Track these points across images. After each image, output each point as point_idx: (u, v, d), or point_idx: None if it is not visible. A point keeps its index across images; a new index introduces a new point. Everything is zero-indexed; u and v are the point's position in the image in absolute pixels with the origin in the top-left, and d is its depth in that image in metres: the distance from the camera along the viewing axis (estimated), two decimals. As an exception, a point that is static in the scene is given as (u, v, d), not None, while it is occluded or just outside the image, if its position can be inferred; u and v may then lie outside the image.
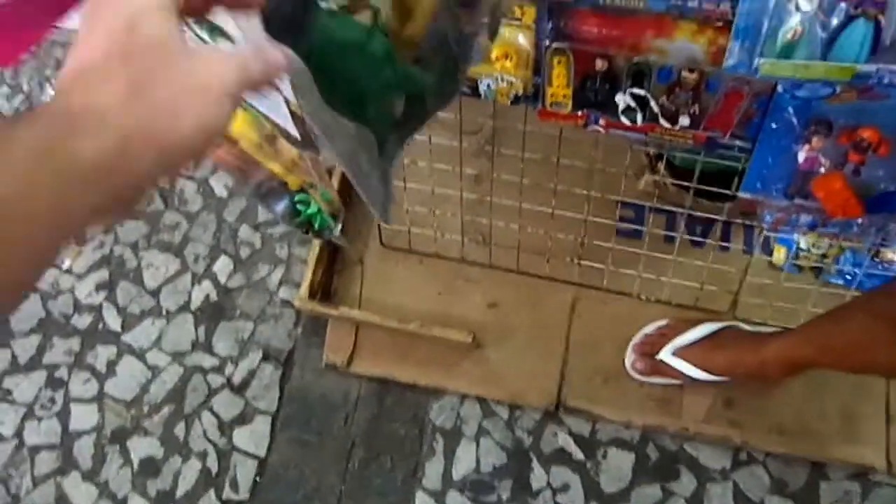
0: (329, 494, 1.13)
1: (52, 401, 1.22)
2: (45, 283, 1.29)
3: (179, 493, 1.15)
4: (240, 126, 0.80)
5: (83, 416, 1.21)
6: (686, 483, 1.10)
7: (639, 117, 0.76)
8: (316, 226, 1.00)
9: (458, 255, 1.20)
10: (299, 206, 0.98)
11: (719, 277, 1.10)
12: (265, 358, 1.22)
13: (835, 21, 0.57)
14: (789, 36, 0.59)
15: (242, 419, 1.19)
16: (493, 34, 0.60)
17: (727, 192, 0.87)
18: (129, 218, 1.30)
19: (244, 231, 1.32)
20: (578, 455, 1.12)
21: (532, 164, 1.00)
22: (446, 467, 1.13)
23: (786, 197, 0.78)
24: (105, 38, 0.35)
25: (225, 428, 1.18)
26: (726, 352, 1.04)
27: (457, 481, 1.12)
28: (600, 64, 0.73)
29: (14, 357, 1.25)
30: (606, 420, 1.13)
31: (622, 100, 0.75)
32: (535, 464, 1.12)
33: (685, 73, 0.72)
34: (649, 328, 1.13)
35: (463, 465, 1.13)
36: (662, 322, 1.13)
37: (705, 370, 1.05)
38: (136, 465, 1.17)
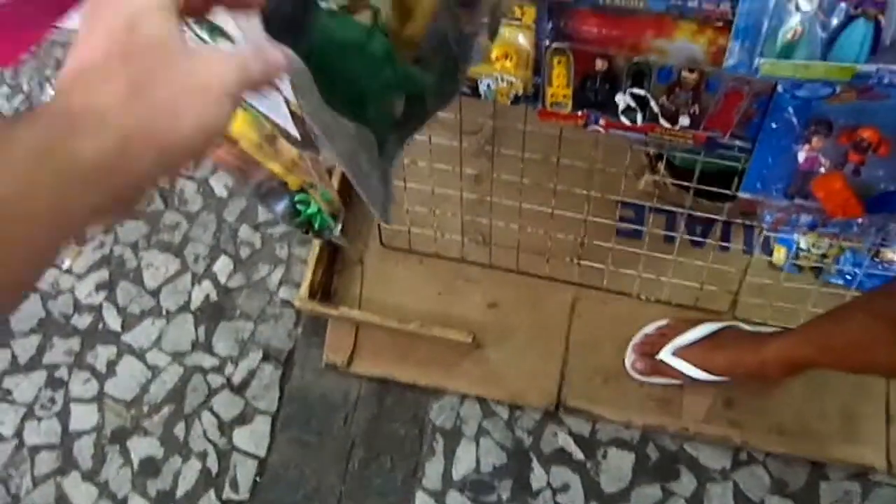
0: (329, 494, 1.13)
1: (52, 401, 1.22)
2: (45, 283, 1.29)
3: (179, 493, 1.15)
4: (240, 126, 0.80)
5: (83, 416, 1.21)
6: (686, 483, 1.10)
7: (639, 117, 0.76)
8: (316, 226, 1.00)
9: (458, 255, 1.20)
10: (299, 206, 0.98)
11: (719, 277, 1.10)
12: (265, 358, 1.22)
13: (835, 21, 0.57)
14: (789, 36, 0.59)
15: (242, 419, 1.19)
16: (493, 34, 0.60)
17: (727, 192, 0.87)
18: (130, 218, 1.30)
19: (244, 231, 1.32)
20: (578, 455, 1.12)
21: (532, 164, 1.00)
22: (446, 467, 1.13)
23: (786, 197, 0.78)
24: (105, 38, 0.35)
25: (225, 428, 1.18)
26: (726, 352, 1.04)
27: (457, 481, 1.12)
28: (600, 64, 0.73)
29: (14, 357, 1.25)
30: (606, 420, 1.13)
31: (622, 100, 0.75)
32: (535, 464, 1.12)
33: (685, 73, 0.72)
34: (649, 328, 1.13)
35: (463, 465, 1.13)
36: (662, 322, 1.13)
37: (705, 370, 1.05)
38: (136, 465, 1.17)
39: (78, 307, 1.28)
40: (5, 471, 1.18)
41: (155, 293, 1.28)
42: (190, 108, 0.35)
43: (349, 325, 1.18)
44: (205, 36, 0.55)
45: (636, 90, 0.74)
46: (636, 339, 1.13)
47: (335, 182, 1.17)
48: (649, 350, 1.10)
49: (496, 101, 0.79)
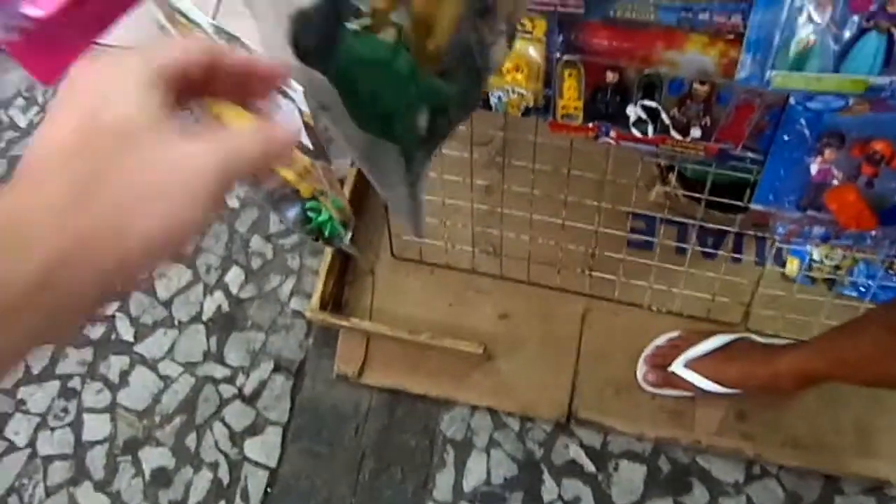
0: (339, 506, 1.13)
1: (66, 411, 1.23)
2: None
3: (191, 503, 1.15)
4: None
5: (96, 427, 1.21)
6: (698, 496, 1.09)
7: (650, 129, 0.76)
8: (326, 233, 1.01)
9: (468, 266, 1.20)
10: (310, 214, 0.98)
11: (731, 289, 1.10)
12: (276, 368, 1.22)
13: (847, 34, 0.57)
14: (801, 47, 0.59)
15: (254, 430, 1.19)
16: (510, 40, 0.60)
17: (739, 203, 0.87)
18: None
19: (256, 242, 1.32)
20: (590, 467, 1.12)
21: (543, 176, 1.00)
22: (457, 479, 1.13)
23: (798, 209, 0.78)
24: (71, 119, 0.30)
25: (236, 438, 1.18)
26: (739, 364, 1.04)
27: (467, 493, 1.12)
28: (611, 76, 0.73)
29: (28, 367, 1.26)
30: (618, 432, 1.12)
31: (633, 112, 0.75)
32: (546, 476, 1.12)
33: (696, 85, 0.72)
34: (661, 340, 1.13)
35: (474, 476, 1.13)
36: (674, 334, 1.13)
37: (717, 382, 1.04)
38: (147, 476, 1.17)
39: (91, 317, 1.28)
40: (18, 480, 1.18)
41: (167, 304, 1.29)
42: (148, 212, 0.29)
43: (360, 336, 1.18)
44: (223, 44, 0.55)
45: (647, 102, 0.74)
46: (648, 350, 1.13)
47: (346, 191, 1.18)
48: (661, 362, 1.10)
49: (507, 113, 0.79)
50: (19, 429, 1.22)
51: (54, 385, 1.24)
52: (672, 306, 1.14)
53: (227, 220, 1.34)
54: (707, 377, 1.05)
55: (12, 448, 1.21)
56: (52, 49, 0.48)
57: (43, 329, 0.29)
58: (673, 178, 1.11)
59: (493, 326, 1.18)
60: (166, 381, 1.23)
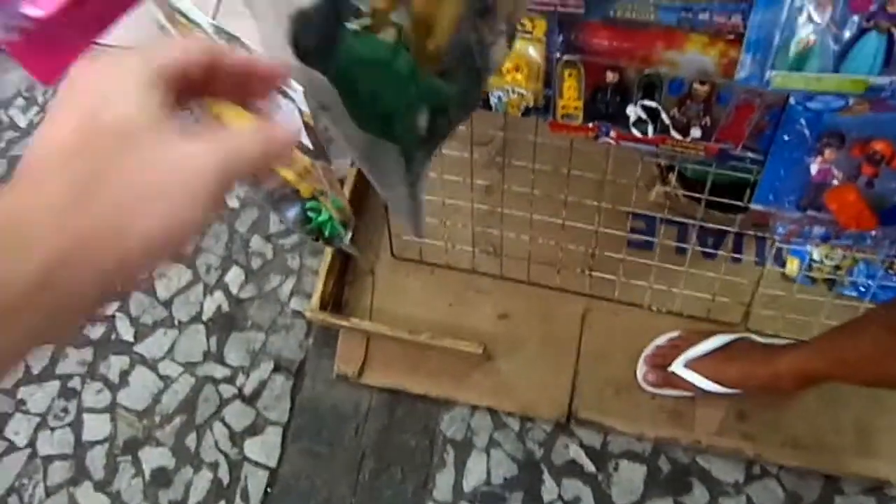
0: (339, 506, 1.13)
1: (66, 411, 1.23)
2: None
3: (191, 503, 1.15)
4: None
5: (96, 427, 1.21)
6: (698, 496, 1.09)
7: (650, 129, 0.76)
8: (326, 233, 1.01)
9: (468, 265, 1.20)
10: (310, 214, 0.98)
11: (731, 289, 1.10)
12: (276, 368, 1.22)
13: (847, 34, 0.57)
14: (801, 47, 0.59)
15: (254, 430, 1.19)
16: (510, 40, 0.60)
17: (739, 203, 0.87)
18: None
19: (256, 242, 1.32)
20: (590, 467, 1.12)
21: (543, 176, 1.00)
22: (457, 479, 1.13)
23: (798, 209, 0.78)
24: (71, 119, 0.30)
25: (236, 438, 1.18)
26: (739, 364, 1.04)
27: (467, 493, 1.12)
28: (611, 76, 0.73)
29: (28, 367, 1.26)
30: (618, 432, 1.12)
31: (633, 112, 0.75)
32: (546, 476, 1.12)
33: (696, 85, 0.72)
34: (661, 340, 1.13)
35: (474, 476, 1.13)
36: (674, 334, 1.13)
37: (718, 382, 1.04)
38: (147, 476, 1.17)
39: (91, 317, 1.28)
40: (18, 480, 1.18)
41: (167, 304, 1.29)
42: (148, 212, 0.29)
43: (360, 336, 1.18)
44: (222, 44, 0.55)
45: (647, 102, 0.74)
46: (648, 350, 1.13)
47: (346, 191, 1.18)
48: (661, 362, 1.10)
49: (507, 113, 0.79)
50: (19, 429, 1.22)
51: (54, 385, 1.24)
52: (672, 306, 1.14)
53: (227, 220, 1.34)
54: (707, 377, 1.05)
55: (12, 448, 1.21)
56: (52, 49, 0.49)
57: (43, 329, 0.29)
58: (673, 178, 1.11)
59: (493, 326, 1.18)
60: (166, 381, 1.23)
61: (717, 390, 1.05)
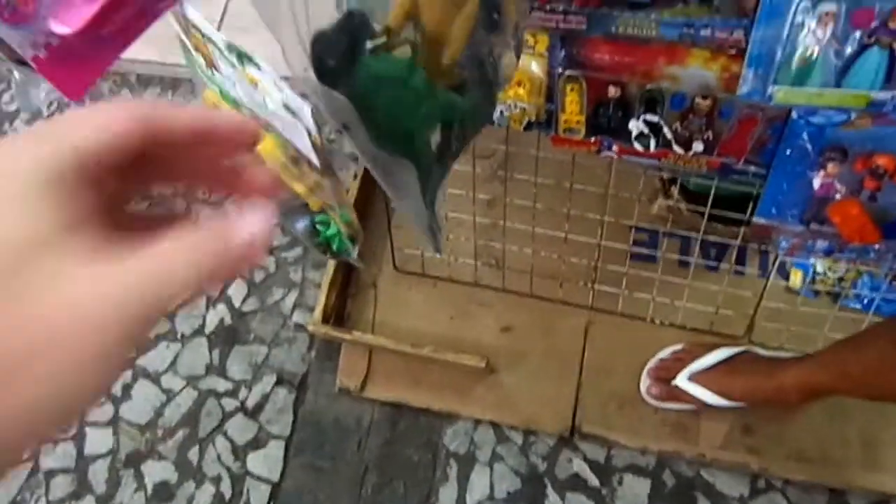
0: (342, 520, 1.13)
1: (68, 424, 1.22)
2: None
3: (193, 518, 1.15)
4: (268, 146, 0.81)
5: (98, 440, 1.21)
6: (703, 510, 1.09)
7: (652, 143, 0.77)
8: (334, 247, 1.01)
9: (471, 279, 1.20)
10: (319, 227, 0.98)
11: (735, 302, 1.09)
12: (279, 382, 1.22)
13: (849, 49, 0.57)
14: (803, 62, 0.59)
15: (256, 443, 1.18)
16: (518, 52, 0.61)
17: (742, 216, 0.87)
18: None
19: (259, 255, 1.32)
20: (593, 481, 1.11)
21: (545, 189, 1.00)
22: (460, 493, 1.12)
23: (801, 222, 0.78)
24: None
25: (239, 452, 1.18)
26: (743, 377, 1.03)
27: (471, 507, 1.11)
28: (613, 91, 0.73)
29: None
30: (622, 446, 1.11)
31: (635, 126, 0.76)
32: (550, 490, 1.11)
33: (698, 100, 0.72)
34: (664, 353, 1.13)
35: (477, 490, 1.12)
36: (678, 347, 1.12)
37: (722, 395, 1.04)
38: (150, 490, 1.17)
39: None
40: (21, 495, 1.18)
41: (170, 317, 1.29)
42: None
43: (363, 350, 1.18)
44: (233, 60, 0.56)
45: (649, 116, 0.74)
46: (651, 363, 1.12)
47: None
48: (665, 375, 1.09)
49: (509, 127, 0.79)
50: (21, 443, 1.21)
51: (57, 399, 1.24)
52: (675, 319, 1.14)
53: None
54: (711, 390, 1.05)
55: (14, 462, 1.20)
56: (78, 64, 0.49)
57: None
58: (675, 191, 1.11)
59: (495, 339, 1.18)
60: (169, 394, 1.23)
61: (722, 404, 1.04)
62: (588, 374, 1.14)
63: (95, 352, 0.21)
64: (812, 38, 0.58)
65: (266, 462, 1.17)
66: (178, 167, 0.28)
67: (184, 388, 1.23)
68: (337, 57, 0.46)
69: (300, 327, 1.25)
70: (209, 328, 1.27)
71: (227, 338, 1.26)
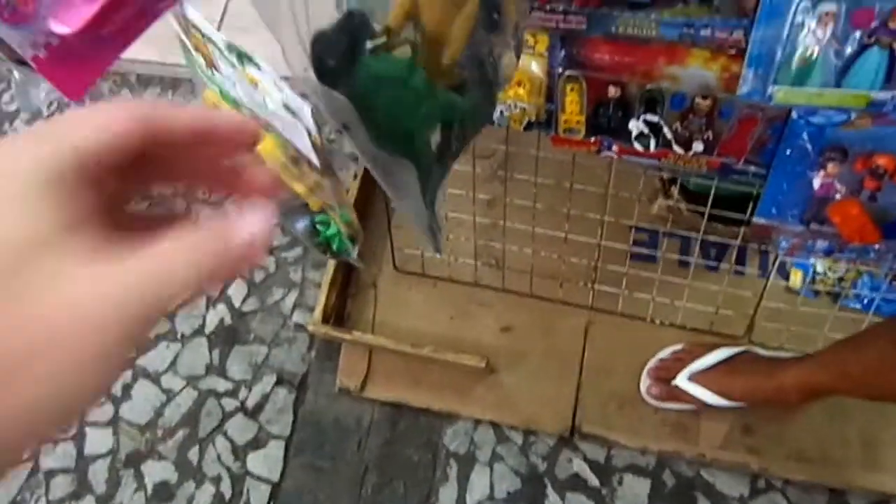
0: (342, 520, 1.13)
1: (68, 424, 1.22)
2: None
3: (193, 518, 1.15)
4: (268, 146, 0.81)
5: (98, 440, 1.21)
6: (703, 510, 1.09)
7: (652, 143, 0.77)
8: (334, 247, 1.01)
9: (471, 279, 1.20)
10: (319, 227, 0.98)
11: (735, 301, 1.09)
12: (279, 382, 1.22)
13: (849, 49, 0.57)
14: (803, 62, 0.59)
15: (256, 443, 1.18)
16: (518, 52, 0.61)
17: (742, 216, 0.87)
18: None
19: (259, 255, 1.32)
20: (593, 481, 1.11)
21: (545, 189, 1.00)
22: (460, 493, 1.12)
23: (801, 222, 0.78)
24: None
25: (239, 452, 1.18)
26: (743, 377, 1.03)
27: (471, 507, 1.11)
28: (613, 91, 0.73)
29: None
30: (622, 446, 1.11)
31: (635, 126, 0.76)
32: (550, 490, 1.11)
33: (698, 100, 0.72)
34: (664, 353, 1.13)
35: (477, 490, 1.12)
36: (678, 347, 1.12)
37: (722, 395, 1.04)
38: (150, 490, 1.17)
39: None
40: (20, 495, 1.18)
41: (170, 317, 1.29)
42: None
43: (363, 350, 1.18)
44: (233, 60, 0.56)
45: (649, 116, 0.74)
46: (651, 363, 1.12)
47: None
48: (665, 375, 1.09)
49: (509, 127, 0.79)
50: (21, 443, 1.21)
51: (57, 399, 1.24)
52: (675, 319, 1.14)
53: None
54: (711, 390, 1.05)
55: (14, 462, 1.20)
56: (78, 64, 0.49)
57: None
58: (675, 191, 1.11)
59: (495, 339, 1.18)
60: (169, 394, 1.23)
61: (722, 404, 1.04)
62: (588, 374, 1.14)
63: (95, 352, 0.21)
64: (812, 38, 0.58)
65: (266, 462, 1.17)
66: (178, 167, 0.28)
67: (184, 388, 1.23)
68: (337, 57, 0.46)
69: (300, 327, 1.25)
70: (209, 328, 1.27)
71: (227, 338, 1.26)
